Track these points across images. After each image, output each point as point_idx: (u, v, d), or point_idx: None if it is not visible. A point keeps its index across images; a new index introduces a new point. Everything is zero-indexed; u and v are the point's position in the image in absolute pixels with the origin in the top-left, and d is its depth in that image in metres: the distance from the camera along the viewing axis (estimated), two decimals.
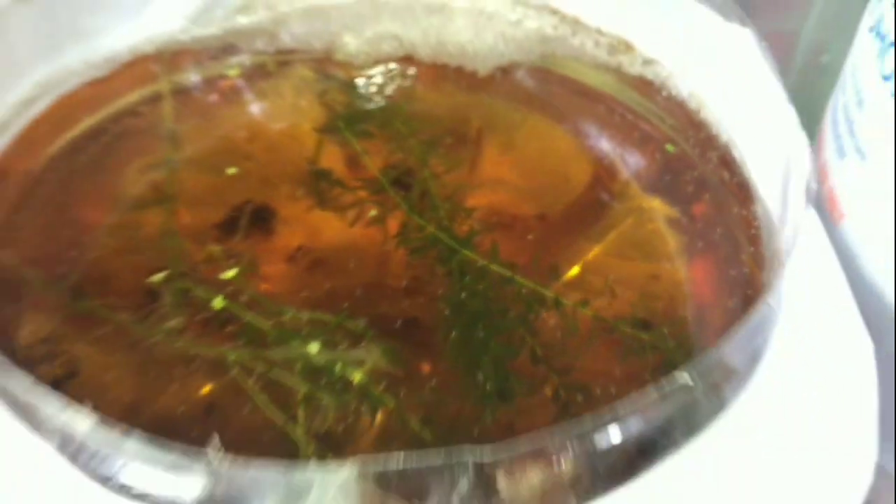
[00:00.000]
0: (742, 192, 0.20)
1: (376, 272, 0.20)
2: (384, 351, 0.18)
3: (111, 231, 0.20)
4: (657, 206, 0.22)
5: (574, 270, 0.21)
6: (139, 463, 0.13)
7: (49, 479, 0.14)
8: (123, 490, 0.13)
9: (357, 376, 0.17)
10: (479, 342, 0.18)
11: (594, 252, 0.21)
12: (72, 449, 0.13)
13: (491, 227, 0.21)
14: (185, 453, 0.12)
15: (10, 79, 0.21)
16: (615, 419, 0.13)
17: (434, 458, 0.12)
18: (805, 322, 0.17)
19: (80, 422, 0.13)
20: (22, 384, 0.13)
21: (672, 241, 0.21)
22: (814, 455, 0.15)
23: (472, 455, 0.12)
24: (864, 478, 0.15)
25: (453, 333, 0.19)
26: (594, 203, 0.22)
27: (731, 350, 0.15)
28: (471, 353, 0.18)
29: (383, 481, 0.12)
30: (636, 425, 0.13)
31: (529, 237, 0.21)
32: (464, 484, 0.12)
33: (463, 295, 0.19)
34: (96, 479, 0.13)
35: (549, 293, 0.19)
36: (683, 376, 0.14)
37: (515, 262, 0.20)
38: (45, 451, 0.14)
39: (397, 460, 0.12)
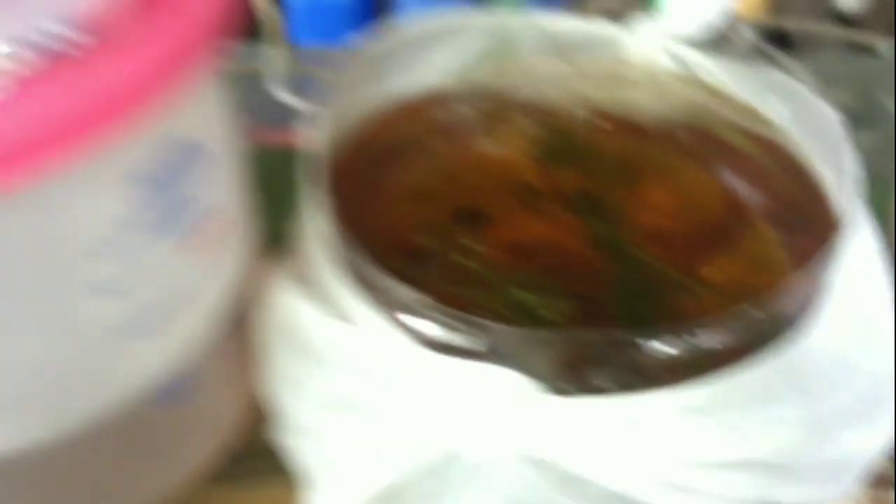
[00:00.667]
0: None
1: (570, 261, 0.30)
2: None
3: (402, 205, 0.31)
4: (773, 237, 0.31)
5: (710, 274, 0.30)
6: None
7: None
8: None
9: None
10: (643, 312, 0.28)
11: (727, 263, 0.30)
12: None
13: (651, 237, 0.30)
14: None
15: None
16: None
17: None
18: None
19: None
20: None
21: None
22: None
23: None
24: None
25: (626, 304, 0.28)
26: (728, 229, 0.31)
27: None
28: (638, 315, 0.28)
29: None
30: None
31: (679, 246, 0.30)
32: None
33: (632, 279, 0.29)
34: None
35: (688, 280, 0.29)
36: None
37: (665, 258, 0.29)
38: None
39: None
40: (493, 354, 0.23)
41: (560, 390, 0.23)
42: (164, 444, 0.29)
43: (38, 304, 0.23)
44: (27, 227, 0.21)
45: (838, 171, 0.29)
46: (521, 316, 0.26)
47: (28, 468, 0.25)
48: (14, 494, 0.26)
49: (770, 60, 0.33)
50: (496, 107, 0.35)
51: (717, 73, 0.33)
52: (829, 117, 0.29)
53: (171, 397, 0.27)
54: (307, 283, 0.27)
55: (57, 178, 0.20)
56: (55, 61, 0.20)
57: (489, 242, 0.30)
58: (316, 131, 0.28)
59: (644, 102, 0.35)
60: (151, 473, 0.29)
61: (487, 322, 0.23)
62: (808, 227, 0.31)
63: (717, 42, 0.34)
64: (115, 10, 0.21)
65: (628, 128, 0.34)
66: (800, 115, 0.31)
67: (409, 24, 0.33)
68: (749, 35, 0.34)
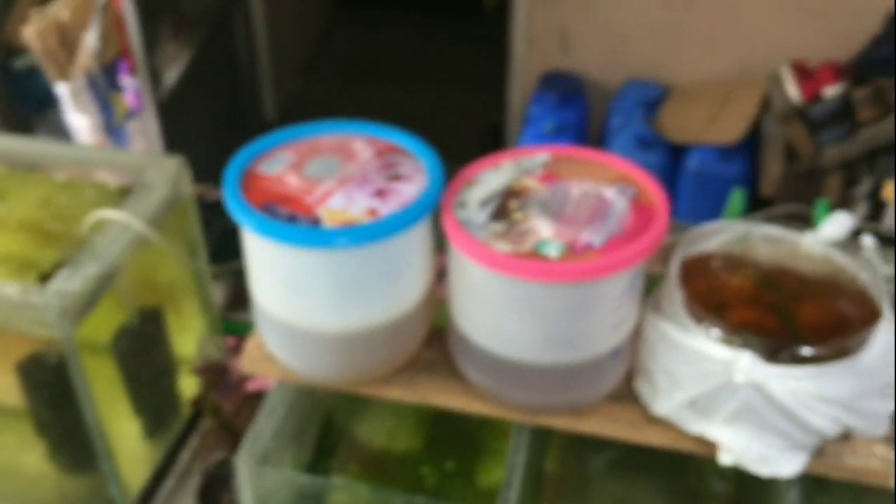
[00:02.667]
0: None
1: (767, 328, 0.74)
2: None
3: (703, 290, 0.76)
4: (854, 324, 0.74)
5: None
6: None
7: None
8: None
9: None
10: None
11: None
12: None
13: (804, 323, 0.74)
14: None
15: None
16: None
17: None
18: None
19: None
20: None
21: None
22: None
23: None
24: None
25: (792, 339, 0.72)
26: (840, 317, 0.74)
27: None
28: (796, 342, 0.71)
29: None
30: None
31: (815, 327, 0.74)
32: None
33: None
34: None
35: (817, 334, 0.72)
36: None
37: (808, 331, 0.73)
38: None
39: None
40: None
41: (769, 359, 0.67)
42: None
43: (582, 331, 0.69)
44: (584, 293, 0.68)
45: (886, 299, 0.72)
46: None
47: None
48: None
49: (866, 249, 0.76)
50: (740, 262, 0.80)
51: (838, 257, 0.77)
52: (876, 282, 0.73)
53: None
54: (667, 313, 0.72)
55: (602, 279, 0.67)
56: (611, 241, 0.67)
57: (730, 313, 0.74)
58: (678, 253, 0.74)
59: (805, 267, 0.79)
60: None
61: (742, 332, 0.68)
62: (869, 316, 0.73)
63: (842, 244, 0.78)
64: (620, 232, 0.68)
65: (798, 278, 0.78)
66: (876, 278, 0.74)
67: (716, 225, 0.79)
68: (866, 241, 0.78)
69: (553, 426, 0.77)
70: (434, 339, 0.83)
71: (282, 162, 0.76)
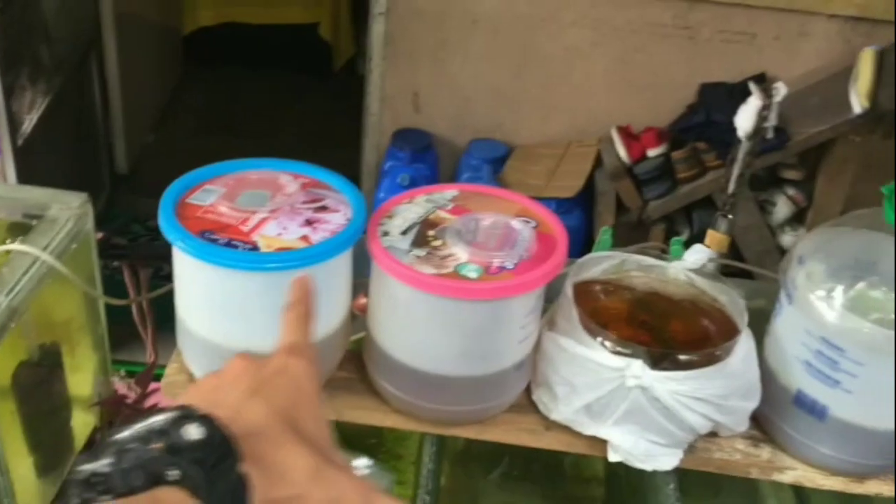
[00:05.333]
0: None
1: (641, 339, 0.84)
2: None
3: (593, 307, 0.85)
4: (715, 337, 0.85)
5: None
6: None
7: None
8: None
9: None
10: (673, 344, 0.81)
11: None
12: None
13: (673, 335, 0.84)
14: None
15: None
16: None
17: None
18: None
19: None
20: None
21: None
22: None
23: None
24: None
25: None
26: (700, 333, 0.85)
27: None
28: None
29: None
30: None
31: (680, 339, 0.84)
32: None
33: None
34: None
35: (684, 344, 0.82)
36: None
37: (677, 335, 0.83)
38: None
39: None
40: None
41: (652, 367, 0.76)
42: None
43: (495, 345, 0.76)
44: (499, 310, 0.75)
45: (741, 317, 0.83)
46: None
47: None
48: None
49: (720, 277, 0.88)
50: (618, 287, 0.89)
51: (699, 281, 0.88)
52: (741, 303, 0.84)
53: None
54: (564, 329, 0.80)
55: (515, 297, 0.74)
56: (520, 265, 0.74)
57: (611, 330, 0.83)
58: (570, 279, 0.83)
59: (673, 291, 0.89)
60: None
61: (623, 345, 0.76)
62: (727, 330, 0.84)
63: (700, 269, 0.89)
64: (526, 257, 0.76)
65: (666, 300, 0.88)
66: (732, 299, 0.86)
67: (598, 255, 0.89)
68: (713, 265, 0.89)
69: (461, 436, 0.83)
70: (345, 361, 0.87)
71: (213, 194, 0.78)
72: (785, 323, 0.81)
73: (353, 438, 0.94)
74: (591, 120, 2.60)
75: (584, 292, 0.87)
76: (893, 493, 0.81)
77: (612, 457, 0.80)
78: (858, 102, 2.20)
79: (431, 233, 0.78)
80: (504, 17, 2.52)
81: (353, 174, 2.80)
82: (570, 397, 0.80)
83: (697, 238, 2.20)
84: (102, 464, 0.43)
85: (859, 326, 0.74)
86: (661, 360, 0.78)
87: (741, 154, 1.92)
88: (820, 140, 2.28)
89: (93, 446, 0.45)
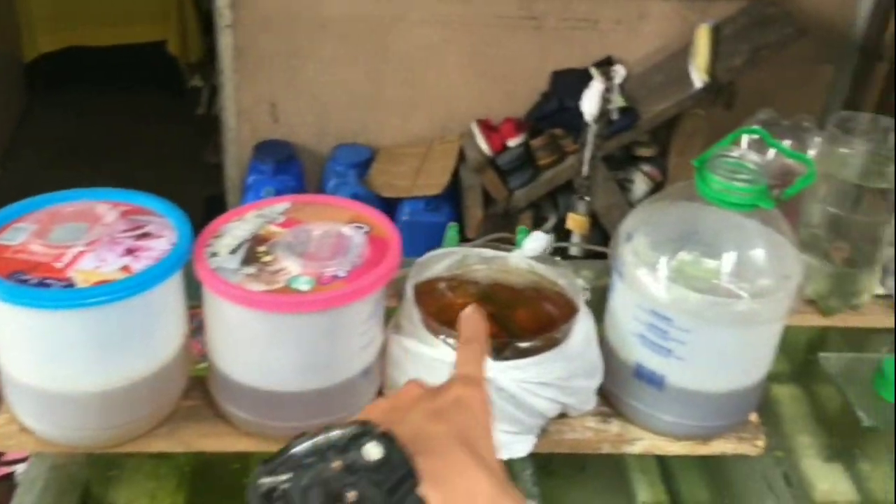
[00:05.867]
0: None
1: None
2: None
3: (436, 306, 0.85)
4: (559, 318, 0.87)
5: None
6: None
7: None
8: None
9: None
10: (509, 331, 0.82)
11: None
12: None
13: (518, 321, 0.85)
14: None
15: None
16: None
17: None
18: None
19: None
20: None
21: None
22: None
23: None
24: None
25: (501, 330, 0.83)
26: (544, 316, 0.86)
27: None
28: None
29: None
30: None
31: (525, 326, 0.85)
32: None
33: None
34: None
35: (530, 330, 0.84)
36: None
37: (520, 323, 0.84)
38: None
39: None
40: None
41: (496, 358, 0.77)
42: None
43: (336, 355, 0.75)
44: (335, 319, 0.74)
45: (578, 299, 0.85)
46: None
47: None
48: None
49: (555, 261, 0.90)
50: (461, 282, 0.90)
51: (540, 267, 0.90)
52: (578, 284, 0.86)
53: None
54: (408, 332, 0.80)
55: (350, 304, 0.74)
56: (353, 272, 0.74)
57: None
58: (410, 280, 0.83)
59: (515, 280, 0.91)
60: None
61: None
62: (569, 312, 0.86)
63: (540, 257, 0.91)
64: (360, 263, 0.75)
65: (509, 289, 0.90)
66: (570, 282, 0.88)
67: (439, 252, 0.89)
68: (550, 253, 0.91)
69: None
70: (190, 390, 0.84)
71: (23, 231, 0.74)
72: (618, 300, 0.84)
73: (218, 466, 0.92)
74: (451, 116, 2.63)
75: (428, 291, 0.87)
76: (734, 451, 0.85)
77: None
78: (698, 77, 2.30)
79: (262, 248, 0.77)
80: (353, 20, 2.51)
81: (217, 191, 2.74)
82: None
83: (564, 222, 2.26)
84: (282, 479, 0.43)
85: (682, 296, 0.76)
86: (503, 350, 0.79)
87: (590, 137, 1.98)
88: (667, 116, 2.37)
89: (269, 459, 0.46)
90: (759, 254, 0.78)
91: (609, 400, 0.87)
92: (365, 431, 0.44)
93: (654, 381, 0.81)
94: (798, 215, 0.98)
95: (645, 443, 0.85)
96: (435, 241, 1.79)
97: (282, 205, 0.83)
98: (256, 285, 0.72)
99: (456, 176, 2.52)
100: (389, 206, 2.47)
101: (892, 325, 1.02)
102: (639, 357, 0.82)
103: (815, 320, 1.04)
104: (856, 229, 0.94)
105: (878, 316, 1.03)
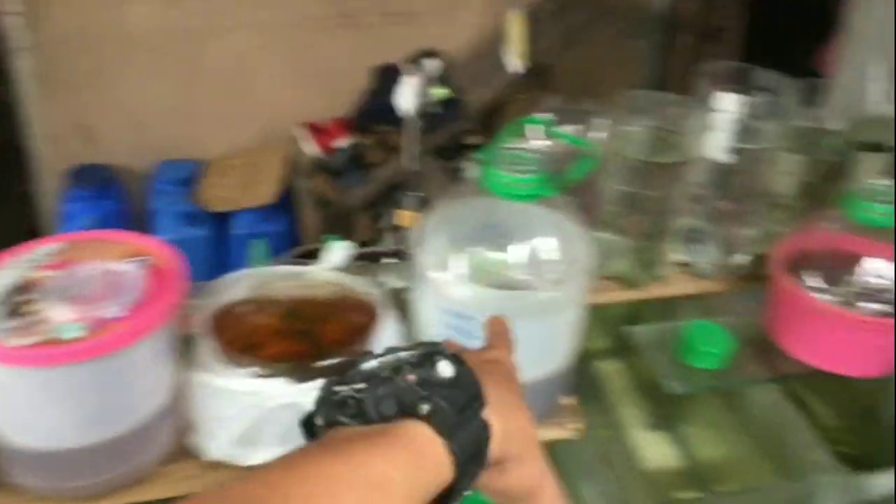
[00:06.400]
0: None
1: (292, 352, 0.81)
2: None
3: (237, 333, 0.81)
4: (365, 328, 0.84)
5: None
6: None
7: None
8: None
9: None
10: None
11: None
12: None
13: (328, 337, 0.83)
14: None
15: None
16: None
17: None
18: None
19: None
20: None
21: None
22: None
23: None
24: None
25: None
26: (351, 329, 0.84)
27: None
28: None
29: None
30: None
31: (332, 339, 0.83)
32: None
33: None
34: None
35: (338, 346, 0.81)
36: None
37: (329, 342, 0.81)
38: None
39: None
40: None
41: (301, 379, 0.74)
42: None
43: (123, 401, 0.70)
44: (116, 364, 0.69)
45: (385, 306, 0.83)
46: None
47: None
48: None
49: (363, 272, 0.87)
50: (265, 303, 0.86)
51: (344, 278, 0.88)
52: (375, 293, 0.84)
53: None
54: (204, 364, 0.76)
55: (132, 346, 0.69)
56: (130, 312, 0.69)
57: (264, 350, 0.80)
58: (205, 308, 0.78)
59: (319, 294, 0.88)
60: None
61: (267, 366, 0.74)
62: (371, 320, 0.84)
63: (345, 267, 0.89)
64: (139, 300, 0.70)
65: (315, 304, 0.87)
66: (373, 290, 0.85)
67: (237, 275, 0.85)
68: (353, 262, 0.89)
69: None
70: None
71: None
72: (420, 301, 0.82)
73: None
74: (276, 122, 2.56)
75: (229, 316, 0.83)
76: (557, 436, 0.86)
77: None
78: (515, 63, 2.33)
79: (26, 297, 0.70)
80: (162, 32, 2.40)
81: (33, 225, 2.57)
82: (219, 433, 0.76)
83: None
84: (357, 388, 0.43)
85: (480, 293, 0.76)
86: (303, 370, 0.76)
87: (411, 132, 1.97)
88: (490, 104, 2.40)
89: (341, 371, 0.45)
90: (549, 242, 0.78)
91: None
92: (437, 351, 0.45)
93: None
94: (596, 196, 1.00)
95: None
96: (274, 255, 1.72)
97: (52, 245, 0.77)
98: (21, 339, 0.66)
99: (288, 183, 2.46)
100: (222, 223, 2.38)
101: (694, 292, 1.06)
102: None
103: (626, 295, 1.06)
104: (648, 203, 0.97)
105: (682, 284, 1.07)
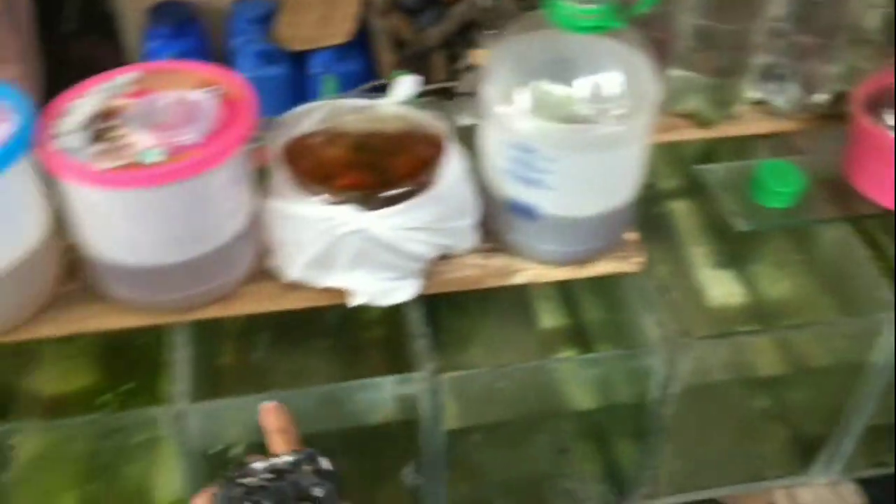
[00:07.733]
0: None
1: (361, 182, 0.84)
2: None
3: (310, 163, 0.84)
4: (431, 159, 0.87)
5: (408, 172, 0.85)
6: None
7: None
8: None
9: None
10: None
11: None
12: None
13: (396, 168, 0.85)
14: None
15: None
16: None
17: None
18: None
19: None
20: None
21: None
22: None
23: None
24: None
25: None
26: (418, 161, 0.86)
27: None
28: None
29: None
30: None
31: (401, 172, 0.85)
32: None
33: None
34: None
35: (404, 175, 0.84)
36: None
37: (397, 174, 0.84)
38: None
39: None
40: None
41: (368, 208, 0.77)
42: None
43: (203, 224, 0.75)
44: (194, 188, 0.73)
45: (452, 139, 0.84)
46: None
47: None
48: None
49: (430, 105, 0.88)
50: (335, 135, 0.89)
51: (410, 111, 0.89)
52: (442, 126, 0.85)
53: None
54: (280, 193, 0.80)
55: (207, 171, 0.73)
56: (206, 139, 0.72)
57: (336, 178, 0.84)
58: (278, 139, 0.82)
59: (387, 127, 0.90)
60: None
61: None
62: (438, 153, 0.86)
63: (414, 102, 0.90)
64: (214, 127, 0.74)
65: (383, 136, 0.89)
66: (440, 124, 0.87)
67: (307, 107, 0.87)
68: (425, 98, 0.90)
69: (204, 317, 0.83)
70: (68, 274, 0.84)
71: None
72: (486, 136, 0.84)
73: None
74: None
75: (301, 148, 0.86)
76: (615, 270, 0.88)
77: (352, 301, 0.83)
78: None
79: (110, 123, 0.75)
80: None
81: (118, 63, 2.62)
82: (296, 256, 0.81)
83: None
84: (262, 479, 0.55)
85: (543, 126, 0.77)
86: (372, 199, 0.79)
87: None
88: None
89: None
90: (615, 76, 0.78)
91: (491, 236, 0.88)
92: (313, 454, 0.58)
93: (527, 212, 0.83)
94: (671, 30, 0.97)
95: (529, 273, 0.87)
96: (343, 89, 1.77)
97: (130, 74, 0.80)
98: (107, 163, 0.71)
99: (363, 22, 2.44)
100: (299, 62, 2.39)
101: (770, 131, 1.04)
102: (510, 191, 0.83)
103: (699, 134, 1.05)
104: (725, 38, 0.94)
105: (757, 123, 1.05)
